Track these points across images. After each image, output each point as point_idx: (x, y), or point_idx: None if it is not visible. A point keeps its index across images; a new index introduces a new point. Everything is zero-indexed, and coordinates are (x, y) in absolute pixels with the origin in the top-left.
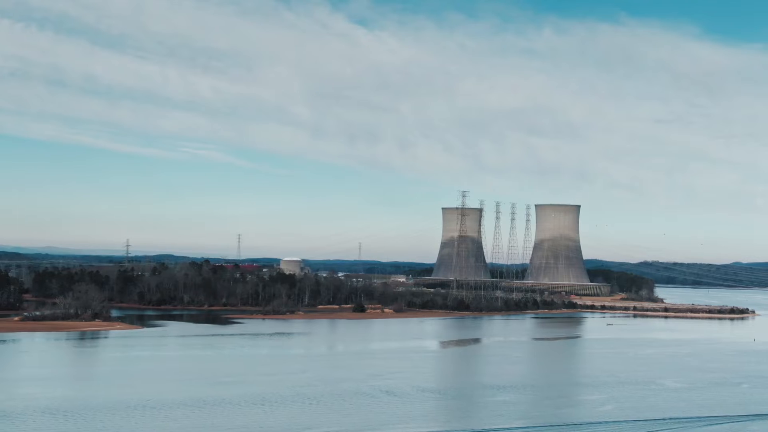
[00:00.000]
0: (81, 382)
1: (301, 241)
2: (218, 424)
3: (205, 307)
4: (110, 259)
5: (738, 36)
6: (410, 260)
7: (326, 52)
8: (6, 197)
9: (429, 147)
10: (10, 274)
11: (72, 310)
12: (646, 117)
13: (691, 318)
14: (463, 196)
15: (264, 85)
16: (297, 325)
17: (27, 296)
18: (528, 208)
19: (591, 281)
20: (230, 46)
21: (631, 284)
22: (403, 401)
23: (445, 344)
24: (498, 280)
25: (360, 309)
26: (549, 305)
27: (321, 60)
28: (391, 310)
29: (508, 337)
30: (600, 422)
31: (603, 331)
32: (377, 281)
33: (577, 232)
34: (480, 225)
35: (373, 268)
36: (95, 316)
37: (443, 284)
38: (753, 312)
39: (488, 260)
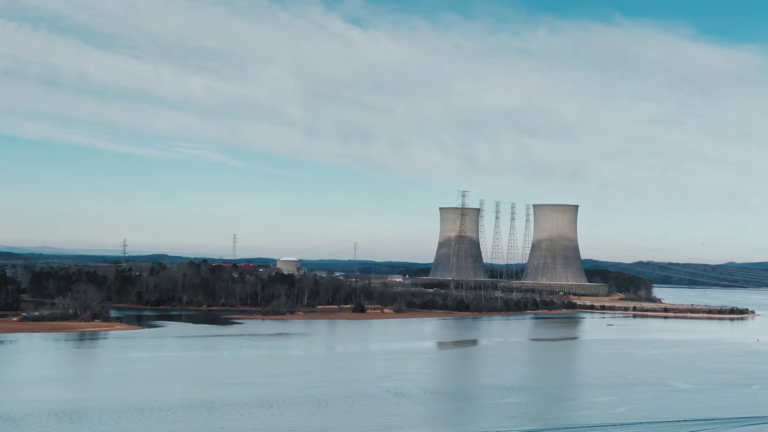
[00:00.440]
0: (85, 384)
1: (295, 241)
2: (228, 426)
3: (204, 307)
4: (105, 259)
5: (732, 36)
6: (405, 260)
7: (320, 51)
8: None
9: (423, 147)
10: (6, 274)
11: (71, 311)
12: (640, 117)
13: (691, 318)
14: (463, 195)
15: (258, 84)
16: (297, 325)
17: (24, 296)
18: (527, 207)
19: (588, 281)
20: (224, 45)
21: (628, 284)
22: (413, 403)
23: (447, 345)
24: (496, 280)
25: (360, 309)
26: (548, 305)
27: (315, 60)
28: (390, 311)
29: (510, 337)
30: (614, 425)
31: (604, 331)
32: (376, 281)
33: (575, 232)
34: (478, 225)
35: (368, 268)
36: (94, 317)
37: (441, 284)
38: (753, 312)
39: (485, 260)
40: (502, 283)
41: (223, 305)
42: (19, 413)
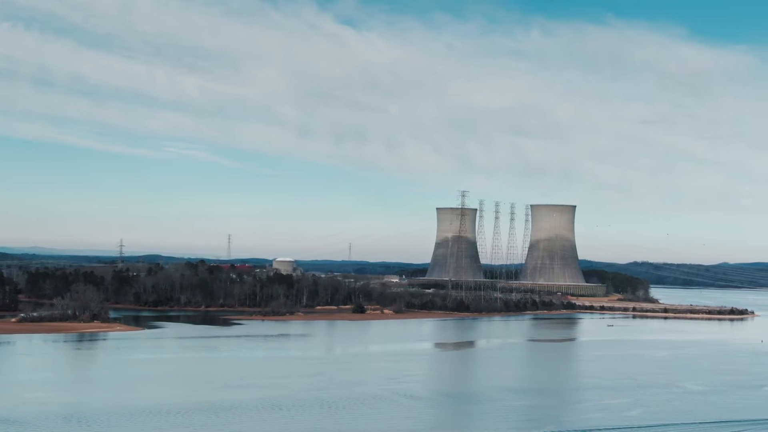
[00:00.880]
0: (90, 386)
1: (289, 241)
2: (239, 430)
3: (202, 308)
4: (99, 260)
5: (724, 37)
6: (399, 260)
7: (313, 52)
8: None
9: (417, 147)
10: (3, 275)
11: (70, 311)
12: (632, 118)
13: (691, 319)
14: (463, 195)
15: (251, 85)
16: (297, 326)
17: (20, 297)
18: (524, 207)
19: (585, 282)
20: (217, 45)
21: (626, 285)
22: (425, 405)
23: (450, 346)
24: (493, 280)
25: (360, 310)
26: (548, 306)
27: (308, 60)
28: (390, 311)
29: (512, 338)
30: (630, 427)
31: (605, 332)
32: (375, 282)
33: (573, 233)
34: (475, 225)
35: (362, 268)
36: (94, 318)
37: (438, 284)
38: (752, 313)
39: (481, 260)
40: (501, 283)
41: (222, 306)
42: (27, 417)
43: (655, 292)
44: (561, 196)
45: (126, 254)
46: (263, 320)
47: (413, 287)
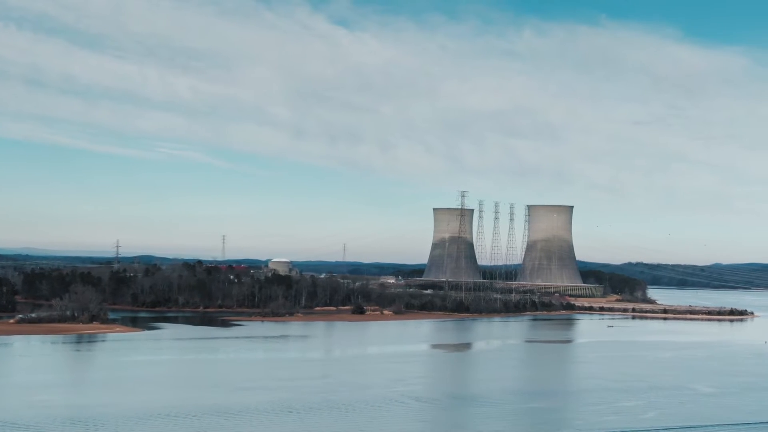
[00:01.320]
0: (95, 388)
1: (283, 242)
2: None
3: (201, 309)
4: (91, 260)
5: (717, 38)
6: (393, 261)
7: (307, 52)
8: None
9: (410, 148)
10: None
11: (68, 312)
12: (625, 119)
13: (691, 320)
14: (462, 196)
15: (243, 85)
16: (298, 327)
17: (17, 298)
18: (524, 208)
19: (583, 282)
20: (209, 46)
21: (623, 285)
22: (437, 408)
23: (453, 347)
24: (490, 281)
25: (359, 311)
26: (547, 307)
27: (301, 61)
28: (390, 312)
29: (514, 339)
30: (648, 430)
31: (606, 333)
32: (374, 283)
33: (570, 233)
34: (472, 226)
35: (357, 269)
36: (92, 319)
37: (435, 285)
38: (752, 314)
39: (478, 261)
40: (500, 284)
41: (220, 307)
42: (34, 420)
43: (652, 292)
44: (554, 196)
45: (120, 255)
46: (263, 321)
47: (410, 288)
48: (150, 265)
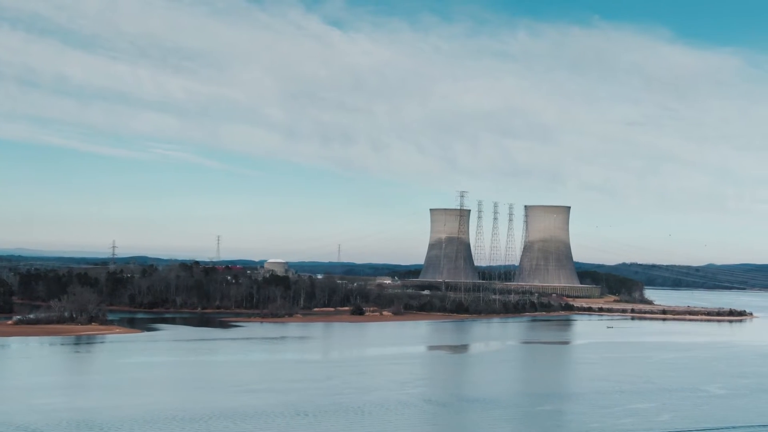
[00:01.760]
0: (99, 391)
1: (277, 242)
2: None
3: (198, 310)
4: (85, 261)
5: (709, 40)
6: (387, 262)
7: (300, 53)
8: None
9: (403, 149)
10: None
11: (66, 313)
12: (618, 119)
13: (690, 320)
14: (462, 196)
15: (236, 85)
16: (297, 328)
17: (13, 299)
18: (523, 208)
19: (580, 283)
20: (202, 46)
21: (620, 286)
22: (450, 412)
23: (456, 348)
24: (487, 281)
25: (359, 312)
26: (546, 307)
27: (295, 61)
28: (389, 313)
29: (516, 340)
30: None
31: (607, 334)
32: (372, 284)
33: (568, 234)
34: (468, 226)
35: (351, 269)
36: (91, 320)
37: (432, 286)
38: (750, 314)
39: (474, 262)
40: (500, 285)
41: (218, 308)
42: (40, 424)
43: (648, 293)
44: (548, 197)
45: (110, 256)
46: (262, 322)
47: (407, 288)
48: (147, 266)
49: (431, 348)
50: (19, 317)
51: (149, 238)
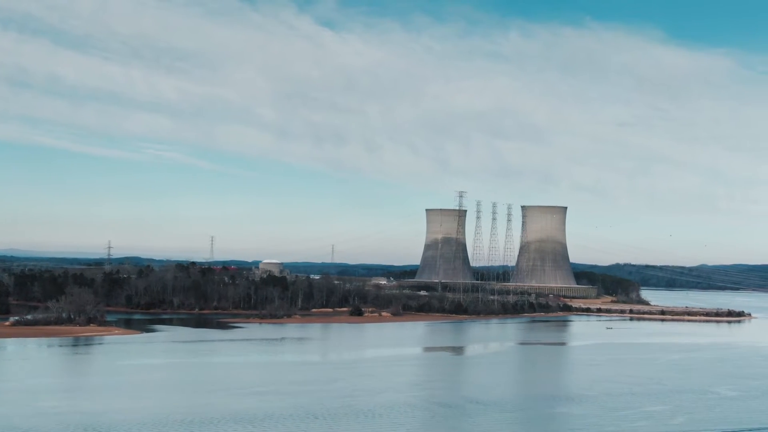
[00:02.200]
0: (104, 393)
1: (270, 243)
2: None
3: (196, 310)
4: (78, 261)
5: (701, 41)
6: (381, 262)
7: (292, 53)
8: None
9: (395, 149)
10: None
11: (64, 314)
12: (609, 120)
13: (689, 321)
14: (461, 196)
15: (229, 86)
16: (297, 329)
17: (9, 299)
18: (521, 209)
19: (576, 284)
20: (195, 46)
21: (616, 286)
22: (463, 414)
23: (460, 349)
24: (484, 282)
25: (357, 312)
26: (545, 308)
27: (287, 61)
28: (388, 314)
29: (518, 341)
30: None
31: (607, 335)
32: (370, 284)
33: (564, 234)
34: (464, 227)
35: (345, 270)
36: (90, 321)
37: (428, 287)
38: (749, 315)
39: (470, 262)
40: (498, 285)
41: (216, 308)
42: (48, 428)
43: (643, 293)
44: (539, 197)
45: (103, 257)
46: (261, 323)
47: (404, 289)
48: (143, 267)
49: (434, 349)
50: (16, 318)
51: (142, 239)
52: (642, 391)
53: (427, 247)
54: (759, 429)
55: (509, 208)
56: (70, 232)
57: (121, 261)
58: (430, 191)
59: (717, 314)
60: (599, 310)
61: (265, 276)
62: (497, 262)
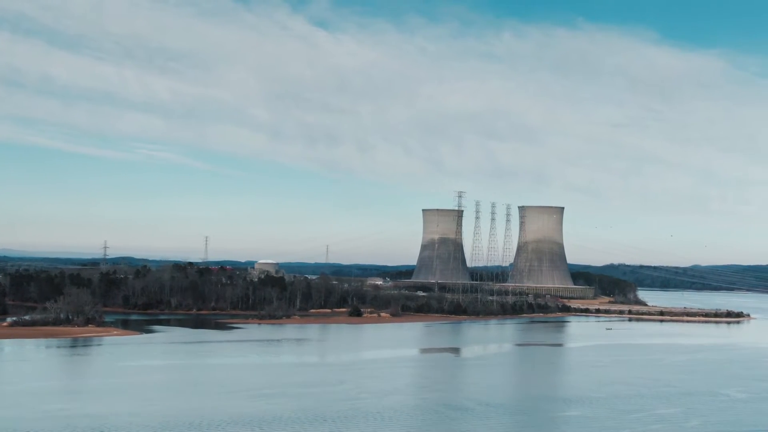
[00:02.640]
0: (109, 395)
1: (263, 243)
2: None
3: (194, 311)
4: (72, 261)
5: (694, 41)
6: (375, 263)
7: (286, 53)
8: None
9: (389, 150)
10: None
11: (62, 315)
12: (602, 121)
13: (688, 322)
14: (460, 197)
15: (222, 86)
16: (296, 330)
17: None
18: (519, 209)
19: (573, 284)
20: (188, 47)
21: (613, 287)
22: (476, 417)
23: (461, 350)
24: (481, 282)
25: (356, 313)
26: (543, 309)
27: (280, 62)
28: (387, 315)
29: (519, 342)
30: None
31: (608, 335)
32: (368, 285)
33: (561, 234)
34: (461, 227)
35: (339, 270)
36: (88, 322)
37: (425, 287)
38: (747, 316)
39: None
40: (497, 286)
41: (213, 309)
42: None
43: (640, 294)
44: (533, 198)
45: (97, 257)
46: (259, 324)
47: (400, 289)
48: (140, 267)
49: (436, 350)
50: (14, 319)
51: (136, 239)
52: (651, 393)
53: (424, 247)
54: None
55: (508, 208)
56: (64, 232)
57: (116, 261)
58: (424, 192)
59: (716, 315)
60: (598, 311)
61: (262, 276)
62: (495, 263)
